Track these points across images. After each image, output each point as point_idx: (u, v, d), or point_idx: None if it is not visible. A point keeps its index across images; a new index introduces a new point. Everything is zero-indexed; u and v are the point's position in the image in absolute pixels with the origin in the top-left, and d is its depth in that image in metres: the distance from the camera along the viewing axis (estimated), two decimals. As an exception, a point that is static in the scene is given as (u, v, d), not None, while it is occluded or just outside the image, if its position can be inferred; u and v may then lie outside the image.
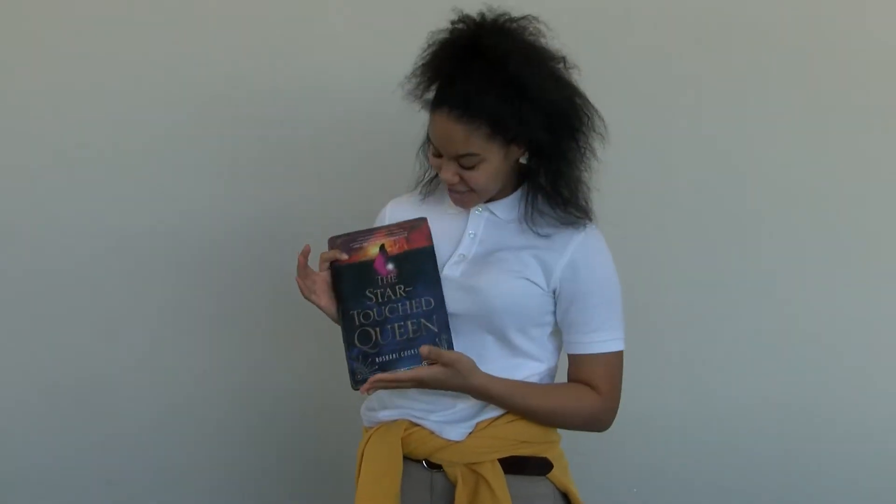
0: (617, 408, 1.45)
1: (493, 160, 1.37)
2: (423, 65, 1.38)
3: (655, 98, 1.95)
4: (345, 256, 1.41)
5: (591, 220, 1.47)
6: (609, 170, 1.96)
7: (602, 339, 1.42)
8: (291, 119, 1.99)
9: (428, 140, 1.42)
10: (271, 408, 2.11)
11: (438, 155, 1.39)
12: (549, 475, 1.44)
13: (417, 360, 1.34)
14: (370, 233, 1.42)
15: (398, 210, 1.52)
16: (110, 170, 2.02)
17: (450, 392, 1.38)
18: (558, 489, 1.45)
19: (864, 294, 1.96)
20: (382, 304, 1.38)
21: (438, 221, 1.46)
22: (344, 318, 1.38)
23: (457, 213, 1.47)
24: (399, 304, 1.38)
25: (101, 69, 1.98)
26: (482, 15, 1.36)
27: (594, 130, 1.45)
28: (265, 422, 2.10)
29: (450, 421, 1.41)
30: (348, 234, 1.42)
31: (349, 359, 1.36)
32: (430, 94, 1.37)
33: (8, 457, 2.10)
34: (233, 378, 2.08)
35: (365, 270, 1.40)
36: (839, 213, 1.95)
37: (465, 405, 1.41)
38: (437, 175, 1.48)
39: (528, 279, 1.40)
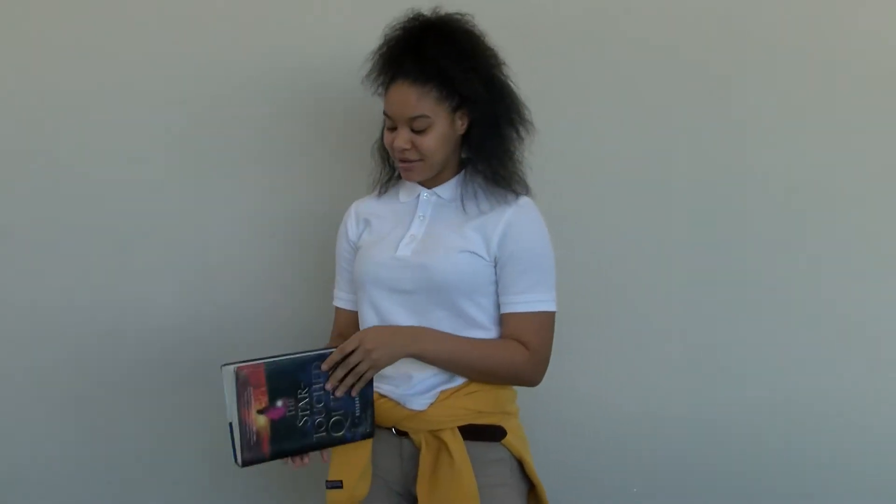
0: (545, 364, 1.60)
1: (441, 125, 1.56)
2: (380, 55, 1.60)
3: (655, 98, 1.95)
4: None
5: (527, 194, 1.63)
6: (609, 170, 1.98)
7: (531, 299, 1.57)
8: (292, 120, 2.00)
9: (381, 134, 1.64)
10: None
11: (392, 128, 1.58)
12: (504, 442, 1.60)
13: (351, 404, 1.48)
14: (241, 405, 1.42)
15: (362, 206, 1.73)
16: (110, 170, 2.02)
17: (407, 369, 1.55)
18: (514, 456, 1.61)
19: (864, 294, 1.96)
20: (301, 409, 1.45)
21: (393, 209, 1.67)
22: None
23: (409, 200, 1.67)
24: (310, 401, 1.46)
25: (99, 69, 1.98)
26: (431, 11, 1.59)
27: (522, 117, 1.64)
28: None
29: (411, 394, 1.57)
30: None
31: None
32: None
33: (8, 457, 2.10)
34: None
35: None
36: (839, 213, 1.95)
37: (422, 376, 1.57)
38: (390, 177, 1.71)
39: (471, 251, 1.56)
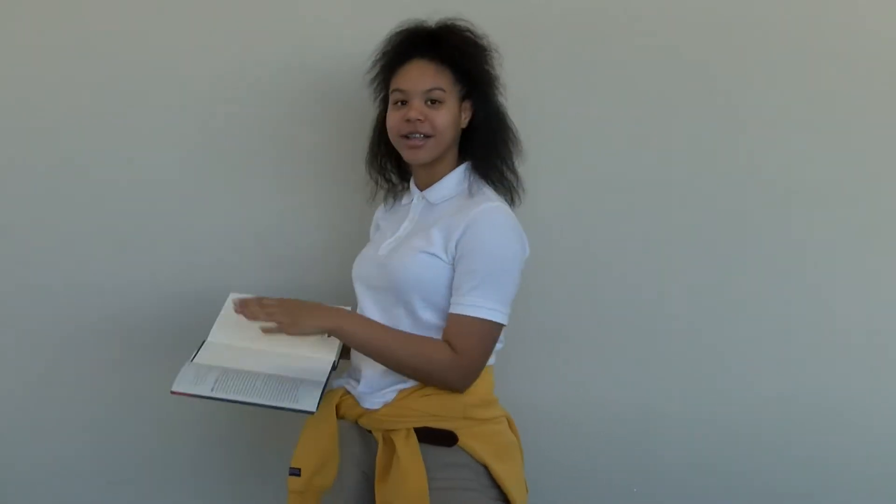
0: (473, 372, 1.54)
1: (452, 106, 1.59)
2: (385, 49, 1.63)
3: (654, 98, 1.95)
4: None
5: (516, 193, 1.66)
6: (609, 170, 1.98)
7: (473, 303, 1.51)
8: (294, 121, 2.00)
9: (378, 134, 1.69)
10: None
11: (402, 102, 1.59)
12: (464, 447, 1.55)
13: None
14: None
15: (378, 212, 1.79)
16: (109, 170, 2.02)
17: (360, 364, 1.59)
18: (476, 461, 1.56)
19: (864, 294, 1.97)
20: None
21: (396, 213, 1.71)
22: None
23: (407, 204, 1.69)
24: None
25: (98, 69, 1.98)
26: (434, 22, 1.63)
27: (515, 133, 1.68)
28: (269, 422, 2.10)
29: (366, 392, 1.59)
30: None
31: None
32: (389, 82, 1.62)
33: (8, 457, 2.10)
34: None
35: None
36: (840, 213, 1.96)
37: (372, 373, 1.59)
38: (390, 189, 1.74)
39: (428, 252, 1.55)
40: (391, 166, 1.74)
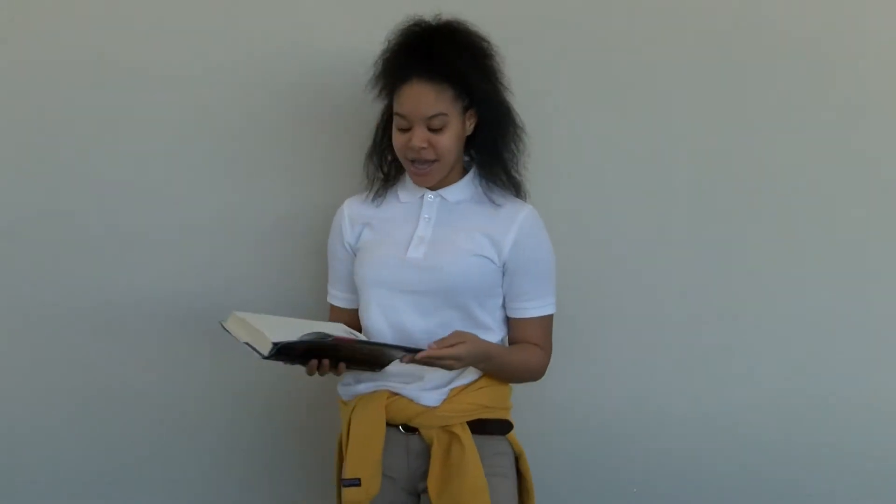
0: (549, 361, 1.70)
1: (455, 125, 1.59)
2: (387, 59, 1.61)
3: (655, 99, 1.96)
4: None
5: (522, 192, 1.70)
6: (609, 170, 1.99)
7: (541, 304, 1.66)
8: (293, 117, 2.00)
9: (383, 128, 1.68)
10: (277, 409, 2.10)
11: (406, 129, 1.58)
12: (508, 436, 1.68)
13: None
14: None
15: (355, 209, 1.73)
16: (109, 171, 2.02)
17: (418, 367, 1.54)
18: (514, 450, 1.68)
19: (865, 294, 1.97)
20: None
21: (394, 212, 1.69)
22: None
23: (410, 202, 1.68)
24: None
25: (99, 69, 1.99)
26: (433, 17, 1.61)
27: (518, 124, 1.69)
28: (270, 424, 2.10)
29: (424, 389, 1.61)
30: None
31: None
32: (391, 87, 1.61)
33: (8, 457, 2.10)
34: (238, 379, 2.07)
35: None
36: (840, 214, 1.96)
37: (433, 376, 1.60)
38: (382, 185, 1.70)
39: (482, 255, 1.61)
40: (391, 158, 1.72)
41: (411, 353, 1.48)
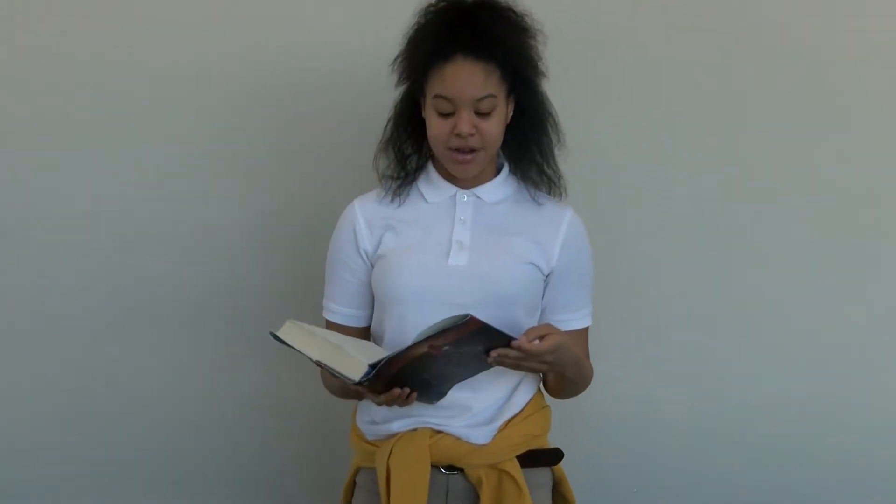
0: None
1: (501, 110, 1.41)
2: (416, 32, 1.43)
3: (655, 99, 1.96)
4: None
5: (561, 188, 1.52)
6: (609, 172, 1.99)
7: (586, 314, 1.54)
8: (294, 116, 2.00)
9: (407, 116, 1.47)
10: (278, 409, 2.09)
11: (448, 113, 1.39)
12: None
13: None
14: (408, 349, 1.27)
15: (372, 210, 1.50)
16: (109, 171, 2.02)
17: (463, 397, 1.41)
18: (553, 477, 1.54)
19: (865, 296, 1.98)
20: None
21: (420, 213, 1.48)
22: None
23: (440, 201, 1.49)
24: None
25: (99, 69, 1.98)
26: None
27: (554, 115, 1.53)
28: (271, 423, 2.10)
29: (473, 425, 1.43)
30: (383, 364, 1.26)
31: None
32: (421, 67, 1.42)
33: (8, 457, 2.09)
34: (242, 379, 2.07)
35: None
36: (840, 212, 1.96)
37: (482, 407, 1.44)
38: (403, 181, 1.49)
39: (533, 263, 1.45)
40: (411, 150, 1.52)
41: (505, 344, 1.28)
